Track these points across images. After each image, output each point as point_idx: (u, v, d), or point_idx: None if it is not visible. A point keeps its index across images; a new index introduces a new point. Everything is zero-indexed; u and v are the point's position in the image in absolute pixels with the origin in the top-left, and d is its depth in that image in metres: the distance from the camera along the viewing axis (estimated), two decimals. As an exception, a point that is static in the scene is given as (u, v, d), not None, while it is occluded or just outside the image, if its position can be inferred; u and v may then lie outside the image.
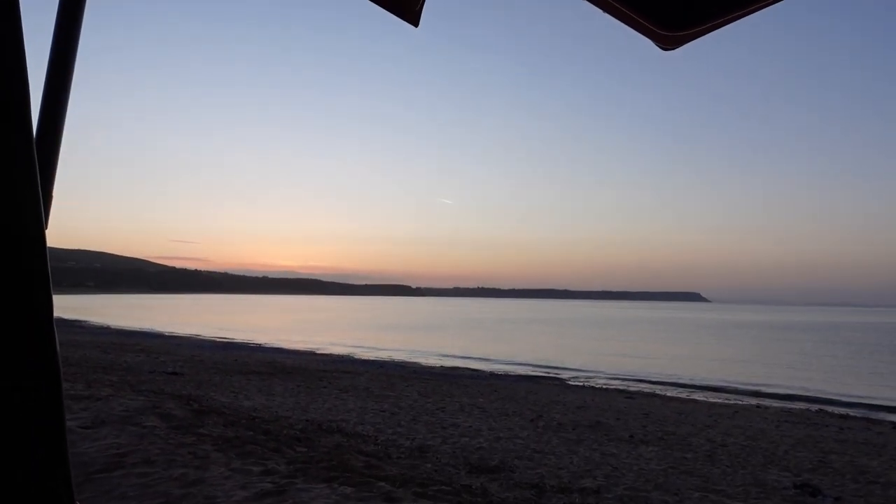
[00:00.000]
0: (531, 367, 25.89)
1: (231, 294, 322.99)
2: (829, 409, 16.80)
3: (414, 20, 1.42)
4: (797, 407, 16.96)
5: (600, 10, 1.42)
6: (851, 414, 15.83)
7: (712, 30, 1.39)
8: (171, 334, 38.55)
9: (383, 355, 29.14)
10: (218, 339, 35.34)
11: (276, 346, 32.59)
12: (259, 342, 34.64)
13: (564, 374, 23.66)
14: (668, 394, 18.77)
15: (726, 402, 17.48)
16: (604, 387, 19.93)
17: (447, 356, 29.84)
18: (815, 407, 17.11)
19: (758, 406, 16.76)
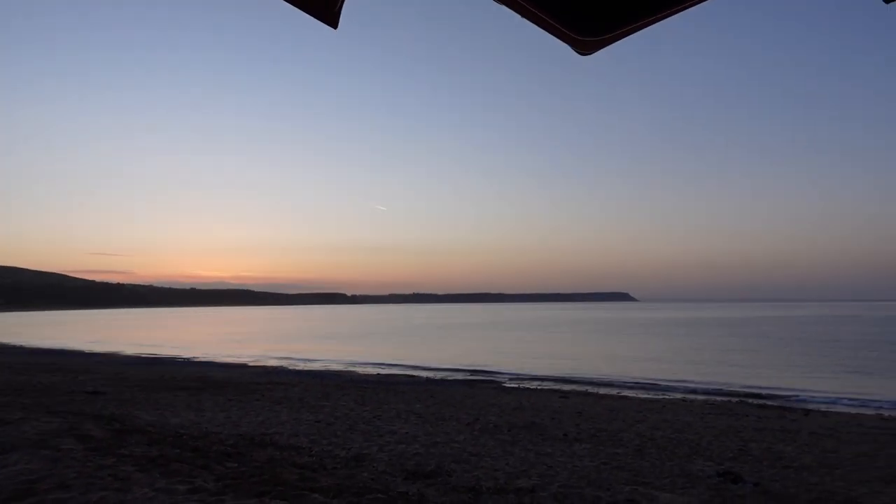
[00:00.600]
0: (468, 372, 26.05)
1: (158, 308, 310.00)
2: (749, 400, 17.70)
3: (333, 21, 1.40)
4: (720, 399, 17.78)
5: (520, 17, 1.45)
6: (768, 404, 16.72)
7: (626, 35, 1.45)
8: (91, 352, 36.67)
9: (318, 365, 28.67)
10: (144, 356, 33.85)
11: (205, 359, 31.52)
12: (188, 356, 33.41)
13: (500, 377, 23.93)
14: (601, 392, 19.29)
15: (655, 397, 18.15)
16: (539, 388, 20.28)
17: (384, 363, 29.64)
18: (735, 398, 18.00)
19: (684, 400, 17.48)
